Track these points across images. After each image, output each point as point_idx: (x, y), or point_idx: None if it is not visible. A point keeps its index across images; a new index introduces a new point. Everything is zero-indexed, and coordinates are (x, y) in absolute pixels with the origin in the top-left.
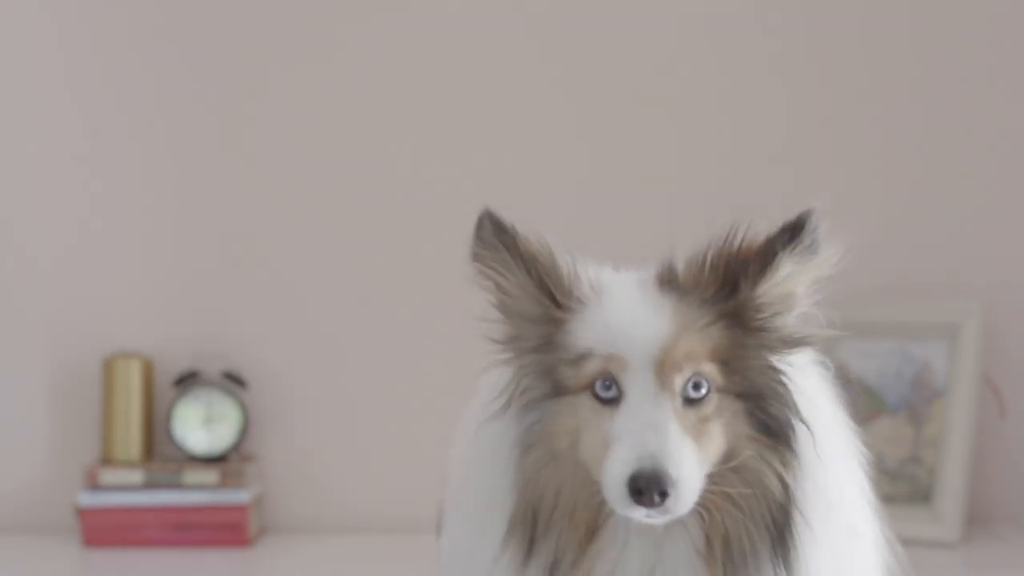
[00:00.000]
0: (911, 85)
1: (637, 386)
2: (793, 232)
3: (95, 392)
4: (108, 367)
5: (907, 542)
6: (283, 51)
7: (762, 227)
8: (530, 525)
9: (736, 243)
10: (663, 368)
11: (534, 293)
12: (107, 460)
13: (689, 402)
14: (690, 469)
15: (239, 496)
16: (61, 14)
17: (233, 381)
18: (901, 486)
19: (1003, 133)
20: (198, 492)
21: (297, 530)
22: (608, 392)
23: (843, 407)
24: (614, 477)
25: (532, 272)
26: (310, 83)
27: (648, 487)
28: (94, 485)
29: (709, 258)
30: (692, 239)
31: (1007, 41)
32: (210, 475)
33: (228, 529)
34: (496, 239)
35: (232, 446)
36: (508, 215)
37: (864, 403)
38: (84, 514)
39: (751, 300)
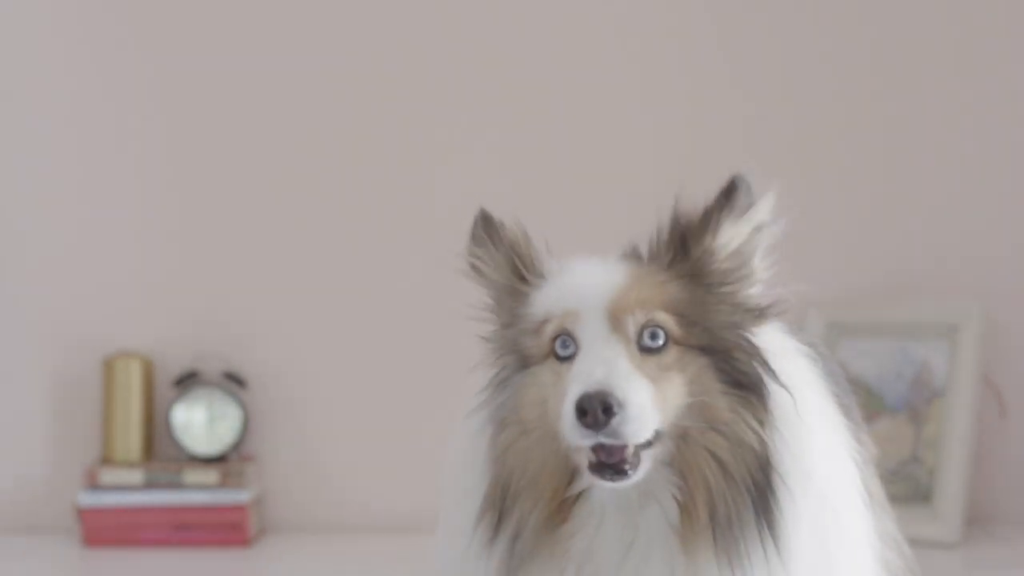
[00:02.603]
0: (913, 85)
1: (591, 335)
2: (727, 194)
3: (95, 392)
4: (108, 367)
5: (907, 542)
6: (282, 52)
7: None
8: (499, 500)
9: (682, 212)
10: (614, 313)
11: (505, 271)
12: (107, 460)
13: (647, 351)
14: (640, 397)
15: (239, 496)
16: (60, 15)
17: (233, 381)
18: (901, 486)
19: (1004, 133)
20: (198, 492)
21: (297, 530)
22: (566, 349)
23: (846, 409)
24: (566, 410)
25: (504, 250)
26: (310, 85)
27: (592, 405)
28: (94, 485)
29: (659, 228)
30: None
31: (1008, 41)
32: (210, 475)
33: (228, 529)
34: (483, 232)
35: (232, 446)
36: (502, 213)
37: (864, 403)
38: (84, 514)
39: (703, 261)
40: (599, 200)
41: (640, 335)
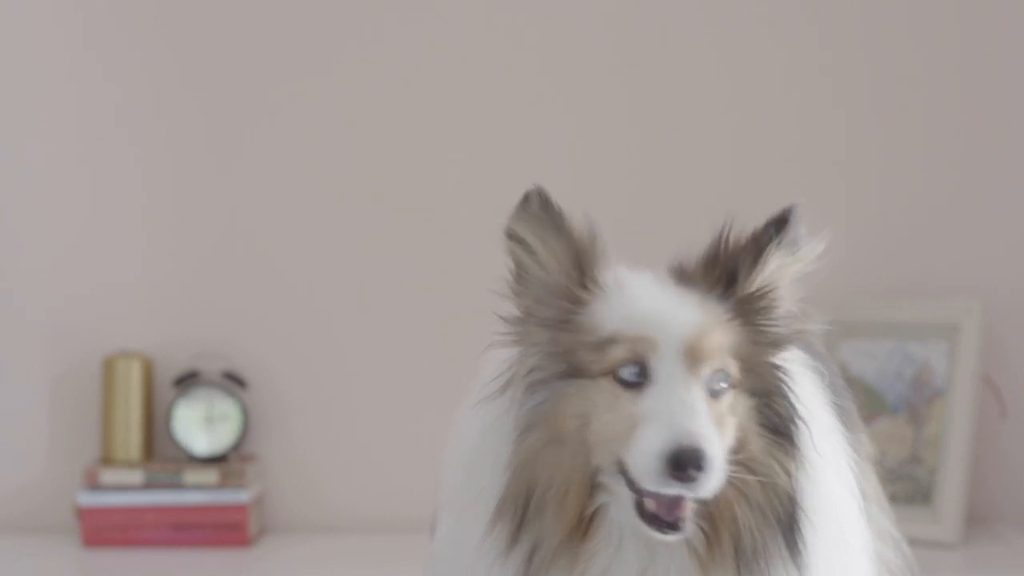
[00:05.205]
0: (913, 85)
1: (667, 369)
2: (778, 226)
3: (95, 392)
4: (108, 367)
5: (907, 542)
6: (281, 51)
7: (748, 224)
8: (520, 508)
9: (728, 240)
10: (693, 355)
11: (566, 268)
12: (107, 460)
13: (712, 394)
14: (720, 452)
15: (239, 496)
16: (62, 15)
17: (233, 381)
18: (901, 486)
19: (1003, 133)
20: (198, 492)
21: (297, 530)
22: (635, 378)
23: (843, 412)
24: (650, 454)
25: (567, 242)
26: (310, 84)
27: (688, 462)
28: (94, 485)
29: (708, 256)
30: (692, 241)
31: (1008, 42)
32: (210, 475)
33: (228, 529)
34: (542, 213)
35: (232, 446)
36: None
37: (864, 403)
38: (84, 514)
39: (750, 296)
40: (619, 205)
41: (711, 378)
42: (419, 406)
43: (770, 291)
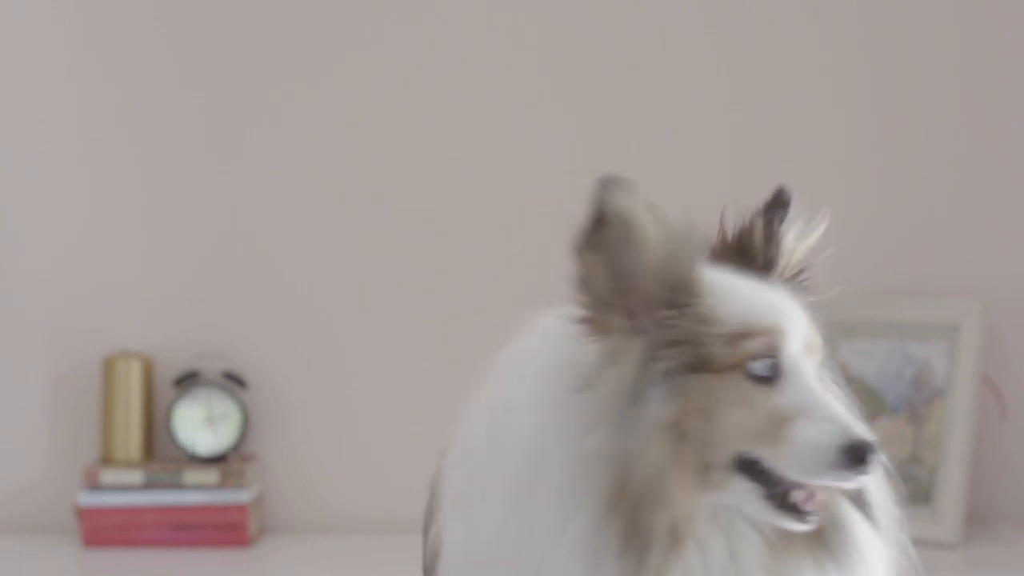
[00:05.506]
0: (913, 85)
1: (798, 363)
2: (782, 208)
3: (95, 392)
4: (108, 367)
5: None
6: (282, 51)
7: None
8: (633, 507)
9: (754, 227)
10: (810, 347)
11: (678, 256)
12: (107, 460)
13: None
14: None
15: (239, 496)
16: (62, 15)
17: (233, 381)
18: (901, 486)
19: (1003, 133)
20: (198, 492)
21: (297, 530)
22: (768, 371)
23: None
24: (820, 447)
25: (675, 233)
26: (310, 84)
27: (866, 452)
28: (94, 485)
29: (742, 244)
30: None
31: (1008, 42)
32: (210, 475)
33: (228, 529)
34: (631, 199)
35: (232, 446)
36: (511, 212)
37: (864, 403)
38: (84, 514)
39: (791, 280)
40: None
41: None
42: (419, 406)
43: (805, 272)
